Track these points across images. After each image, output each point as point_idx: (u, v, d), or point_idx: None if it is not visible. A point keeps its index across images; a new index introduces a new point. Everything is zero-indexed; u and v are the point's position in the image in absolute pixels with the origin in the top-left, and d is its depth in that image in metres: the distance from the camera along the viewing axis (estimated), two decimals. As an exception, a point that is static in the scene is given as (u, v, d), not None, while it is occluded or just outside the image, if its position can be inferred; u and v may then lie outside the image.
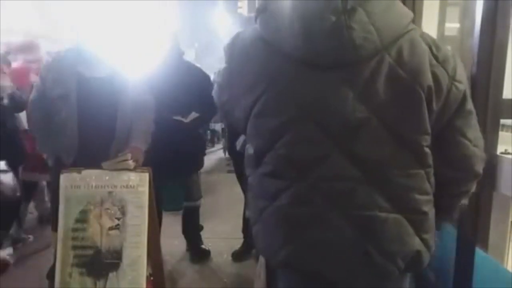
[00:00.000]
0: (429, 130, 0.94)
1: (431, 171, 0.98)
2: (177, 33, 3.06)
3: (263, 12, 0.99)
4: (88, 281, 2.10)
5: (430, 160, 0.97)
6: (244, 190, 3.32)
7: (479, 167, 1.05)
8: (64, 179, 2.13)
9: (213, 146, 8.92)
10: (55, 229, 2.16)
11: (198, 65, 3.36)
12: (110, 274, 2.10)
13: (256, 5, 1.11)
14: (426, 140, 0.95)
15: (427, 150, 0.95)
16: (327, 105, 0.92)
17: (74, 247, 2.11)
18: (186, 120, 2.87)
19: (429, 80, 0.92)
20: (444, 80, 0.95)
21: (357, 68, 0.90)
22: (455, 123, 0.99)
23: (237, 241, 3.38)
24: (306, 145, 0.93)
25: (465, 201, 1.11)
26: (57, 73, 2.22)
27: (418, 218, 0.98)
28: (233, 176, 3.46)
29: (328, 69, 0.91)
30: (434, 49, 0.96)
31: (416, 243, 0.98)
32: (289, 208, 0.96)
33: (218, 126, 8.41)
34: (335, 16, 0.87)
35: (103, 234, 2.12)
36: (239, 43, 1.03)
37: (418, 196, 0.96)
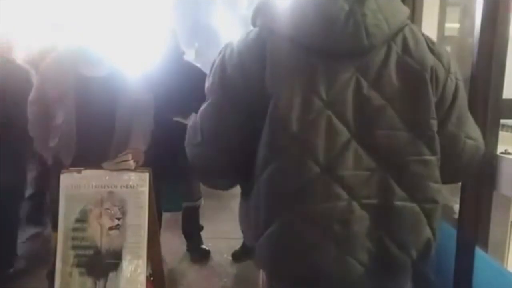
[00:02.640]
0: (435, 114, 0.96)
1: (439, 159, 0.98)
2: (177, 32, 3.06)
3: (266, 11, 0.98)
4: (88, 281, 2.10)
5: (438, 147, 0.97)
6: (244, 190, 3.32)
7: (471, 159, 1.08)
8: (64, 179, 2.14)
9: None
10: (55, 229, 2.16)
11: (198, 65, 3.36)
12: (110, 274, 2.10)
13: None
14: (435, 125, 0.95)
15: (436, 135, 0.96)
16: (343, 94, 0.91)
17: (74, 247, 2.11)
18: (187, 121, 2.87)
19: (431, 69, 0.95)
20: (441, 72, 0.97)
21: (369, 57, 0.92)
22: (451, 114, 1.00)
23: (237, 241, 3.37)
24: (329, 137, 0.91)
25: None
26: (56, 72, 2.21)
27: (431, 207, 0.97)
28: (233, 176, 3.46)
29: (344, 58, 0.92)
30: (429, 42, 0.99)
31: (427, 232, 0.98)
32: (312, 207, 0.93)
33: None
34: (348, 5, 0.89)
35: (103, 234, 2.12)
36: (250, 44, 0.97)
37: (432, 184, 0.96)
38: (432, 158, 0.96)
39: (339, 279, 0.94)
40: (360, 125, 0.92)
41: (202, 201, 3.33)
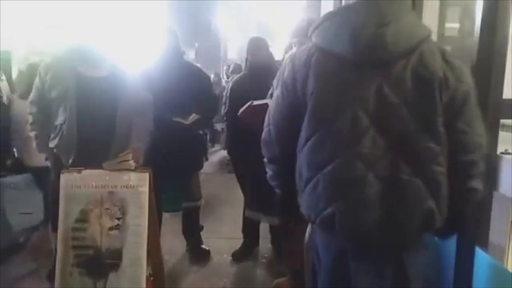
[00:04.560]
0: (441, 114, 1.21)
1: (445, 149, 1.23)
2: (176, 32, 3.06)
3: (318, 28, 1.31)
4: (88, 281, 2.10)
5: (443, 139, 1.22)
6: (244, 190, 3.33)
7: (479, 151, 1.29)
8: (65, 179, 2.14)
9: (213, 146, 8.91)
10: (55, 229, 2.16)
11: (198, 65, 3.36)
12: (110, 274, 2.10)
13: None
14: (440, 122, 1.21)
15: (441, 129, 1.21)
16: (368, 92, 1.21)
17: (74, 247, 2.11)
18: (187, 122, 2.87)
19: (440, 78, 1.21)
20: (451, 81, 1.23)
21: (389, 67, 1.21)
22: (462, 114, 1.25)
23: (237, 241, 3.38)
24: (354, 123, 1.21)
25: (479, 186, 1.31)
26: (56, 72, 2.21)
27: (433, 186, 1.22)
28: (233, 176, 3.46)
29: (369, 67, 1.22)
30: (446, 55, 1.25)
31: (430, 203, 1.22)
32: (337, 172, 1.23)
33: (218, 126, 8.41)
34: (375, 27, 1.20)
35: (103, 234, 2.12)
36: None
37: (434, 167, 1.21)
38: (435, 146, 1.21)
39: (353, 227, 1.24)
40: (378, 116, 1.20)
41: (202, 201, 3.33)
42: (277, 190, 1.57)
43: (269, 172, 1.53)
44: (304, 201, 1.33)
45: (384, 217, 1.21)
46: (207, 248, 3.36)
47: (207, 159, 5.44)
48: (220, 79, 9.36)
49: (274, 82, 2.63)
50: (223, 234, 3.73)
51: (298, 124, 1.31)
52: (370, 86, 1.21)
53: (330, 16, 1.32)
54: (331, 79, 1.25)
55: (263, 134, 1.48)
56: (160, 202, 2.61)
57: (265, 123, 1.47)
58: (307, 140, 1.28)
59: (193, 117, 2.87)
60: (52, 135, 2.24)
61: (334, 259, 1.32)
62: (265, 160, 1.53)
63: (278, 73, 2.32)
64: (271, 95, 2.58)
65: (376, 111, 1.21)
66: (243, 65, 3.61)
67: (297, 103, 1.31)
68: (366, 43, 1.20)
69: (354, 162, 1.21)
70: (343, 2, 3.05)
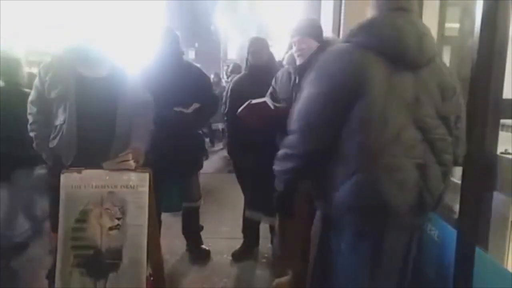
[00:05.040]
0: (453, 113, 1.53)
1: (452, 140, 1.52)
2: (176, 32, 3.06)
3: (362, 29, 1.49)
4: (88, 281, 2.10)
5: (453, 132, 1.52)
6: (244, 190, 3.33)
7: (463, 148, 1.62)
8: (65, 179, 2.13)
9: (213, 146, 8.91)
10: (55, 229, 2.16)
11: (198, 65, 3.36)
12: (110, 274, 2.10)
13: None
14: (453, 119, 1.52)
15: (453, 125, 1.51)
16: (404, 91, 1.42)
17: (74, 247, 2.11)
18: (188, 110, 2.86)
19: (453, 84, 1.53)
20: (458, 87, 1.54)
21: (420, 71, 1.46)
22: (462, 116, 1.58)
23: (237, 241, 3.37)
24: (399, 120, 1.42)
25: None
26: (56, 73, 2.21)
27: (445, 171, 1.50)
28: (233, 176, 3.46)
29: (408, 69, 1.44)
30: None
31: (443, 186, 1.51)
32: (386, 160, 1.40)
33: (218, 126, 8.41)
34: (416, 36, 1.45)
35: (103, 234, 2.12)
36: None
37: (446, 156, 1.50)
38: (448, 138, 1.50)
39: (393, 208, 1.42)
40: (413, 110, 1.42)
41: (202, 201, 3.33)
42: (282, 185, 1.69)
43: (290, 165, 1.57)
44: (348, 190, 1.44)
45: (415, 200, 1.44)
46: (207, 248, 3.36)
47: (207, 158, 5.43)
48: (220, 79, 9.35)
49: (273, 82, 2.64)
50: (223, 234, 3.73)
51: (338, 119, 1.43)
52: (409, 85, 1.43)
53: (373, 20, 1.51)
54: (380, 78, 1.40)
55: (294, 127, 1.53)
56: (159, 202, 2.61)
57: (297, 116, 1.52)
58: (359, 133, 1.42)
59: (194, 105, 2.88)
60: (52, 135, 2.24)
61: (368, 240, 1.50)
62: (286, 152, 1.57)
63: (282, 72, 2.56)
64: (270, 94, 2.58)
65: (411, 106, 1.42)
66: (243, 65, 3.60)
67: (344, 98, 1.42)
68: (412, 47, 1.42)
69: (398, 152, 1.41)
70: (343, 2, 3.06)
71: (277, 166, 1.63)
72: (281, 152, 1.60)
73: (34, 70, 3.49)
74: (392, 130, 1.39)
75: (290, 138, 1.55)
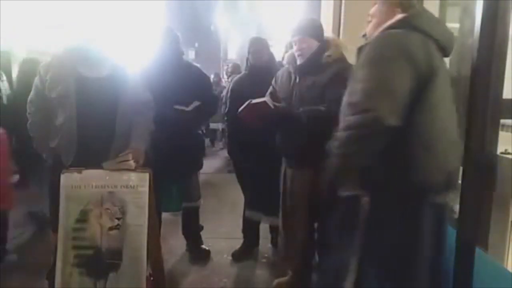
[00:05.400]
0: None
1: None
2: (177, 32, 3.06)
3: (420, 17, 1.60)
4: (88, 281, 2.10)
5: None
6: (244, 190, 3.34)
7: None
8: (65, 179, 2.13)
9: (213, 146, 8.92)
10: (55, 229, 2.16)
11: (198, 65, 3.36)
12: (110, 274, 2.10)
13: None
14: None
15: None
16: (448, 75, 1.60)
17: (74, 247, 2.11)
18: (188, 108, 2.86)
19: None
20: None
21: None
22: None
23: (237, 241, 3.38)
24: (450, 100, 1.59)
25: None
26: (56, 72, 2.21)
27: None
28: (233, 176, 3.46)
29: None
30: None
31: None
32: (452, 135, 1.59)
33: (217, 126, 8.41)
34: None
35: (103, 234, 2.12)
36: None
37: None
38: None
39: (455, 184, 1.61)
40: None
41: (202, 201, 3.33)
42: (341, 171, 1.63)
43: (362, 146, 1.52)
44: (425, 168, 1.53)
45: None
46: (207, 248, 3.36)
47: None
48: (220, 79, 9.36)
49: (273, 82, 2.64)
50: (223, 234, 3.74)
51: (414, 96, 1.49)
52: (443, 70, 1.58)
53: (418, 12, 1.63)
54: (442, 64, 1.57)
55: (365, 106, 1.48)
56: (159, 202, 2.61)
57: (367, 93, 1.49)
58: (430, 114, 1.51)
59: (194, 103, 2.88)
60: (52, 135, 2.24)
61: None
62: (357, 133, 1.50)
63: (282, 72, 2.63)
64: (270, 94, 2.58)
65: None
66: (243, 65, 3.60)
67: (421, 76, 1.49)
68: (452, 40, 1.62)
69: (455, 133, 1.60)
70: (343, 2, 3.05)
71: (341, 149, 1.55)
72: (346, 134, 1.53)
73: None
74: (451, 112, 1.57)
75: (358, 118, 1.49)
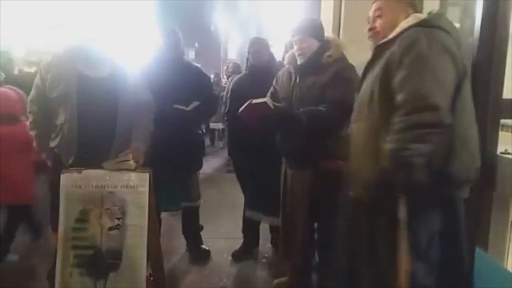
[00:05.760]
0: None
1: None
2: (178, 32, 3.06)
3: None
4: (88, 281, 2.10)
5: None
6: (244, 190, 3.33)
7: None
8: (65, 179, 2.13)
9: (213, 145, 8.91)
10: (55, 229, 2.16)
11: (198, 65, 3.36)
12: (110, 274, 2.10)
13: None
14: None
15: None
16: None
17: (74, 247, 2.11)
18: (187, 108, 2.86)
19: None
20: None
21: None
22: None
23: (237, 241, 3.37)
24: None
25: None
26: (57, 72, 2.21)
27: None
28: (233, 176, 3.46)
29: None
30: None
31: None
32: None
33: (217, 126, 8.41)
34: None
35: (103, 234, 2.12)
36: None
37: None
38: None
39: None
40: None
41: (201, 201, 3.32)
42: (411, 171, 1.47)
43: (431, 145, 1.45)
44: (468, 159, 1.55)
45: None
46: (207, 248, 3.35)
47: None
48: (220, 79, 9.36)
49: (274, 82, 2.64)
50: (223, 234, 3.73)
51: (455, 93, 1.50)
52: None
53: (438, 13, 1.67)
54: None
55: (424, 102, 1.44)
56: (159, 202, 2.61)
57: (421, 91, 1.45)
58: (466, 113, 1.54)
59: (194, 103, 2.88)
60: (52, 135, 2.24)
61: None
62: (426, 131, 1.43)
63: (283, 72, 2.60)
64: (271, 94, 2.58)
65: None
66: (243, 65, 3.61)
67: (459, 74, 1.51)
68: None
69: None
70: (343, 2, 3.05)
71: (412, 151, 1.44)
72: (412, 134, 1.44)
73: (34, 70, 3.50)
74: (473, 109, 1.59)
75: (422, 117, 1.43)
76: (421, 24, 1.58)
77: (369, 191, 1.62)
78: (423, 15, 1.65)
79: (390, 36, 1.65)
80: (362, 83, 1.77)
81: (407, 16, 1.67)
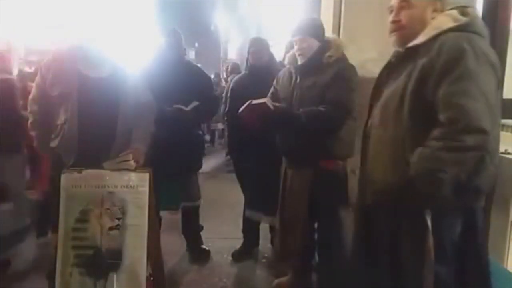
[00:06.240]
0: None
1: None
2: (179, 32, 3.06)
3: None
4: (88, 281, 2.10)
5: None
6: (244, 190, 3.34)
7: None
8: (65, 179, 2.13)
9: (213, 145, 8.92)
10: (55, 229, 2.16)
11: (198, 65, 3.37)
12: (110, 274, 2.10)
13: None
14: None
15: None
16: None
17: (74, 247, 2.11)
18: (187, 108, 2.87)
19: None
20: None
21: None
22: None
23: (237, 241, 3.38)
24: None
25: None
26: (58, 71, 2.20)
27: None
28: (233, 176, 3.46)
29: None
30: None
31: None
32: None
33: (217, 126, 8.41)
34: None
35: (103, 234, 2.11)
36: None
37: None
38: None
39: None
40: None
41: (201, 201, 3.32)
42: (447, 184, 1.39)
43: (469, 166, 1.37)
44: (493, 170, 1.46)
45: None
46: (207, 248, 3.36)
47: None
48: (220, 79, 9.37)
49: (274, 83, 2.64)
50: (223, 234, 3.73)
51: None
52: None
53: (475, 15, 1.54)
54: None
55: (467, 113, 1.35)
56: (158, 202, 2.61)
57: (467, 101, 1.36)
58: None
59: (193, 103, 2.88)
60: (53, 135, 2.24)
61: None
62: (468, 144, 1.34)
63: (283, 72, 2.60)
64: (272, 94, 2.58)
65: None
66: (242, 65, 3.61)
67: (499, 81, 1.46)
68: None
69: None
70: (343, 2, 3.05)
71: (449, 174, 1.36)
72: (458, 156, 1.35)
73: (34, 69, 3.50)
74: None
75: (477, 140, 1.34)
76: (461, 28, 1.45)
77: (391, 196, 1.54)
78: (457, 15, 1.49)
79: (424, 38, 1.50)
80: (381, 83, 1.66)
81: (434, 10, 1.53)
